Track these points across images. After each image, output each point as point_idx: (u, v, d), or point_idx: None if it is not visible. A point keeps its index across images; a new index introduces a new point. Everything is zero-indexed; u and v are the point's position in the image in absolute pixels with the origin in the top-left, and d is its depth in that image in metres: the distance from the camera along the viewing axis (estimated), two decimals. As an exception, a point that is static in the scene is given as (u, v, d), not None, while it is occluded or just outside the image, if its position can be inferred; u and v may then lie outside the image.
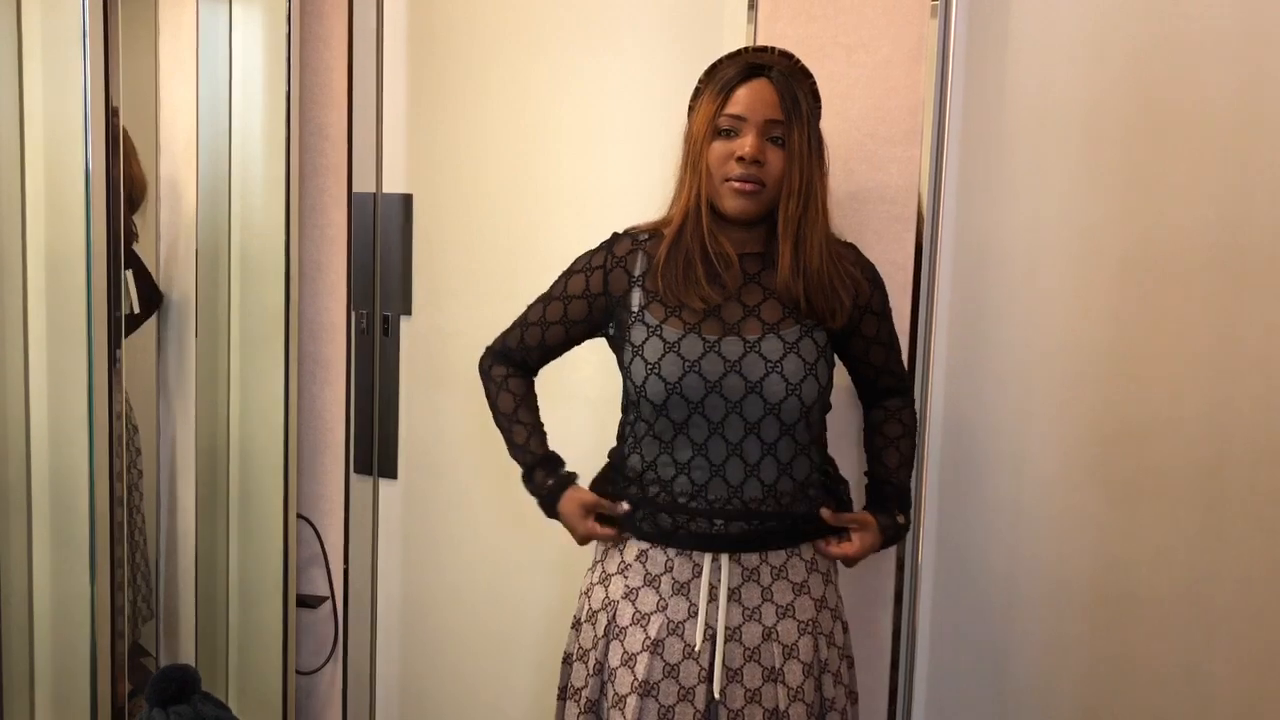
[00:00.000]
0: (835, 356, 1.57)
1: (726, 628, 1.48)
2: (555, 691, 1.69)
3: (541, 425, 1.65)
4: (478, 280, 2.24)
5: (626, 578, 1.53)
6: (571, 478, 1.61)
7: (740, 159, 1.41)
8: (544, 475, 1.59)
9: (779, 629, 1.49)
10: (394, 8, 2.25)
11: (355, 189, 2.26)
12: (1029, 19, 1.76)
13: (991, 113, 1.79)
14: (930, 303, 1.82)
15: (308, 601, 2.36)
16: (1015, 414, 1.82)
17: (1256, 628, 1.72)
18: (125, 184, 2.05)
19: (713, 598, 1.48)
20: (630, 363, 1.49)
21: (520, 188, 2.18)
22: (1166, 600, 1.76)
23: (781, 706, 1.46)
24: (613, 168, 2.07)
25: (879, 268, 1.78)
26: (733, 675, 1.47)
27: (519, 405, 1.65)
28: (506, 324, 2.23)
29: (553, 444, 1.65)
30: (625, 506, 1.52)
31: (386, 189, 2.29)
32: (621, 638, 1.52)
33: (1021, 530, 1.84)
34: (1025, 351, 1.80)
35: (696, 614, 1.48)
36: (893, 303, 1.80)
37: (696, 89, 1.50)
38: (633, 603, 1.52)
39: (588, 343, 1.63)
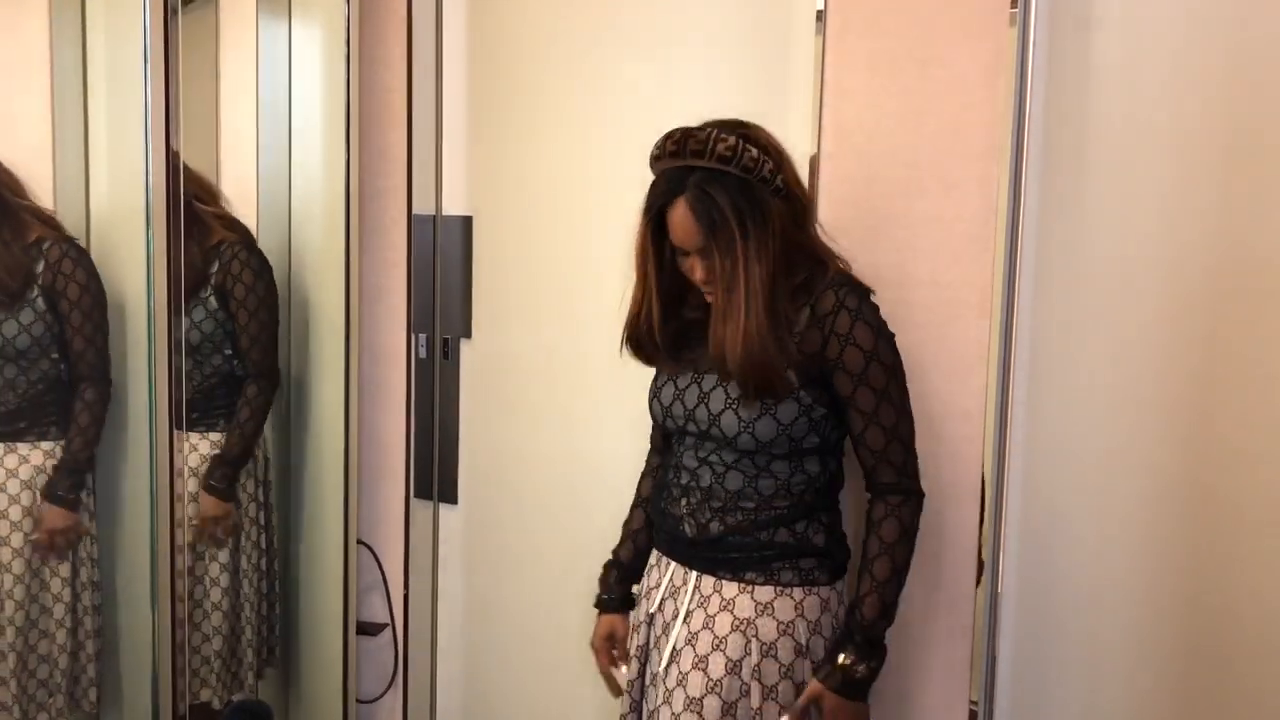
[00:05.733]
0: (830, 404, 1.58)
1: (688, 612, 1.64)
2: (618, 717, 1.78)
3: (641, 529, 1.81)
4: (538, 302, 2.22)
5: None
6: (611, 605, 1.81)
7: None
8: (603, 583, 1.83)
9: (716, 620, 1.59)
10: (454, 28, 2.23)
11: (415, 211, 2.24)
12: (1113, 28, 1.68)
13: (1074, 127, 1.72)
14: (1010, 326, 1.75)
15: (368, 628, 2.34)
16: (1101, 439, 1.75)
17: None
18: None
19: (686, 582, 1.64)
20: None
21: (581, 208, 2.15)
22: (1263, 640, 1.67)
23: (697, 695, 1.55)
24: (676, 187, 2.03)
25: (957, 290, 1.72)
26: (674, 656, 1.61)
27: (636, 506, 1.84)
28: (566, 347, 2.22)
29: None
30: (625, 671, 1.75)
31: (446, 211, 2.27)
32: (637, 604, 1.76)
33: (1108, 561, 1.76)
34: (1112, 376, 1.73)
35: (674, 595, 1.65)
36: (970, 328, 1.75)
37: None
38: (646, 577, 1.74)
39: (628, 365, 1.69)
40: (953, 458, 1.78)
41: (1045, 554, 1.82)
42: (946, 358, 1.77)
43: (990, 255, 1.74)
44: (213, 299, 2.18)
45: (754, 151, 1.47)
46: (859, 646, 1.54)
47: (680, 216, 1.49)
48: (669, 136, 1.51)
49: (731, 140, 1.46)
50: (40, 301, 1.99)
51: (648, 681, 1.68)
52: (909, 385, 1.59)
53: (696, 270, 1.53)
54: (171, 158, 1.86)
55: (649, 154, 1.54)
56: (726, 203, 1.46)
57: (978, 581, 1.83)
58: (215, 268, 2.18)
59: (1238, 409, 1.65)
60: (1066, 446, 1.77)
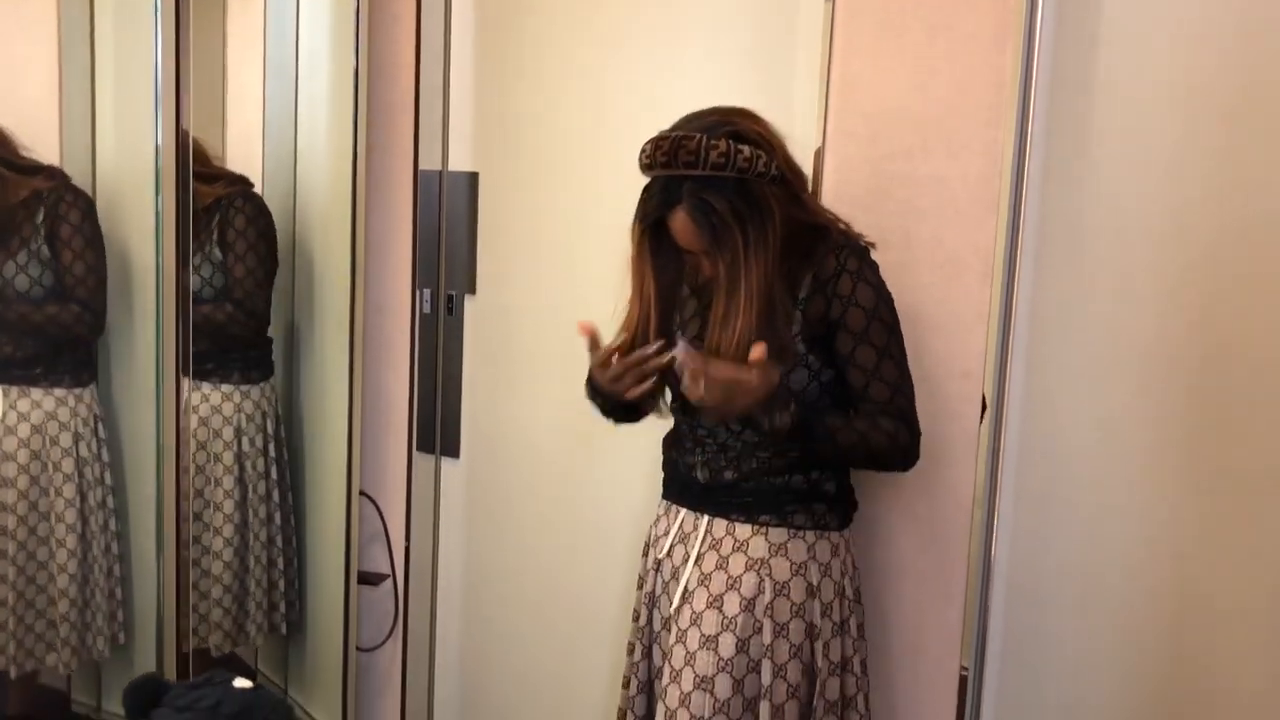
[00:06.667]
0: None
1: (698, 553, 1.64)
2: (617, 672, 1.79)
3: None
4: (542, 259, 2.22)
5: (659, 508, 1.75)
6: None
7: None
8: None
9: (730, 560, 1.61)
10: (462, -17, 2.22)
11: (421, 167, 2.24)
12: (1122, -5, 1.69)
13: (1079, 93, 1.72)
14: (1011, 290, 1.77)
15: (369, 579, 2.37)
16: (1098, 408, 1.76)
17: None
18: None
19: (697, 527, 1.65)
20: None
21: (586, 166, 2.15)
22: (1254, 609, 1.69)
23: (712, 633, 1.57)
24: (682, 147, 2.03)
25: (959, 251, 1.73)
26: (686, 597, 1.62)
27: None
28: (570, 304, 2.22)
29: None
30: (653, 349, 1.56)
31: (452, 167, 2.28)
32: (645, 554, 1.77)
33: (1102, 527, 1.78)
34: (1110, 342, 1.74)
35: (684, 540, 1.66)
36: (972, 290, 1.76)
37: None
38: (654, 526, 1.75)
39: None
40: (950, 418, 1.79)
41: (1040, 519, 1.84)
42: (947, 318, 1.78)
43: (993, 218, 1.75)
44: (217, 251, 2.19)
45: (746, 150, 1.46)
46: (810, 429, 1.50)
47: (681, 224, 1.50)
48: (658, 146, 1.48)
49: (723, 145, 1.45)
50: (44, 249, 2.00)
51: (658, 626, 1.70)
52: (909, 344, 1.60)
53: (705, 268, 1.55)
54: (180, 112, 1.86)
55: (638, 159, 1.52)
56: (726, 208, 1.46)
57: (970, 545, 1.85)
58: (216, 219, 2.19)
59: (1236, 373, 1.67)
60: (1064, 409, 1.79)
